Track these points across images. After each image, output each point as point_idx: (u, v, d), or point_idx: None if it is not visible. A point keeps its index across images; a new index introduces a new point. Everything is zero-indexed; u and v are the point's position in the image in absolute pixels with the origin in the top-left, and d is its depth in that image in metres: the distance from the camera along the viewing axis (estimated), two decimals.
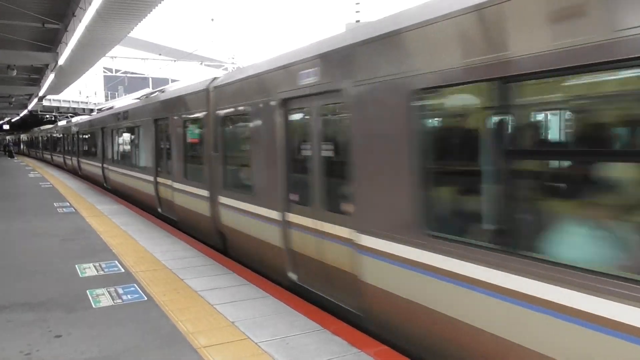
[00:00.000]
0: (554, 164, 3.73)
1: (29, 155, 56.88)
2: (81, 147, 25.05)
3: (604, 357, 3.00)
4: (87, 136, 23.55)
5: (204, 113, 9.13)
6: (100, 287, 6.54)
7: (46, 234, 10.11)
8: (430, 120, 4.43)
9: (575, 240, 3.30)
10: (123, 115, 15.96)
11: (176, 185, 10.82)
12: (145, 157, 13.47)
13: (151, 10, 14.03)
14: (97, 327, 5.19)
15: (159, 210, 12.35)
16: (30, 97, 36.90)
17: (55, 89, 30.04)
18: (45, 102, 44.63)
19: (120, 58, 33.91)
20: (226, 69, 33.82)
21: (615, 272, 2.96)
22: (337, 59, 5.40)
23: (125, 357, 4.51)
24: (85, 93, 54.95)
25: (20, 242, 9.38)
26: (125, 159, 15.83)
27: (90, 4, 11.77)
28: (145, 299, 6.07)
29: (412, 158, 4.36)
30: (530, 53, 3.32)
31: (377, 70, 4.74)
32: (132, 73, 39.92)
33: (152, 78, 41.33)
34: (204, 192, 9.26)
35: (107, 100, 55.75)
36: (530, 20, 3.32)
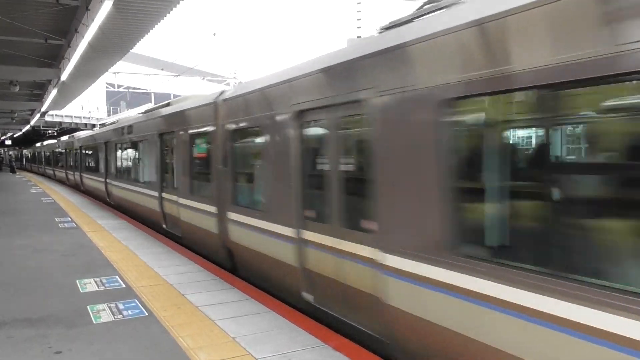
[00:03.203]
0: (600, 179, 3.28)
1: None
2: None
3: None
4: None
5: None
6: (101, 302, 6.52)
7: (47, 250, 10.10)
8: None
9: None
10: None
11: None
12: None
13: (154, 26, 14.13)
14: (98, 343, 5.16)
15: None
16: (32, 112, 37.11)
17: (58, 104, 30.19)
18: (47, 118, 44.81)
19: (123, 73, 34.20)
20: (228, 84, 33.96)
21: None
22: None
23: None
24: (87, 108, 55.21)
25: (21, 258, 9.37)
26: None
27: (92, 20, 11.86)
28: (146, 314, 6.05)
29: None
30: None
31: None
32: (134, 88, 40.12)
33: (155, 93, 41.49)
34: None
35: (109, 115, 55.96)
36: None
